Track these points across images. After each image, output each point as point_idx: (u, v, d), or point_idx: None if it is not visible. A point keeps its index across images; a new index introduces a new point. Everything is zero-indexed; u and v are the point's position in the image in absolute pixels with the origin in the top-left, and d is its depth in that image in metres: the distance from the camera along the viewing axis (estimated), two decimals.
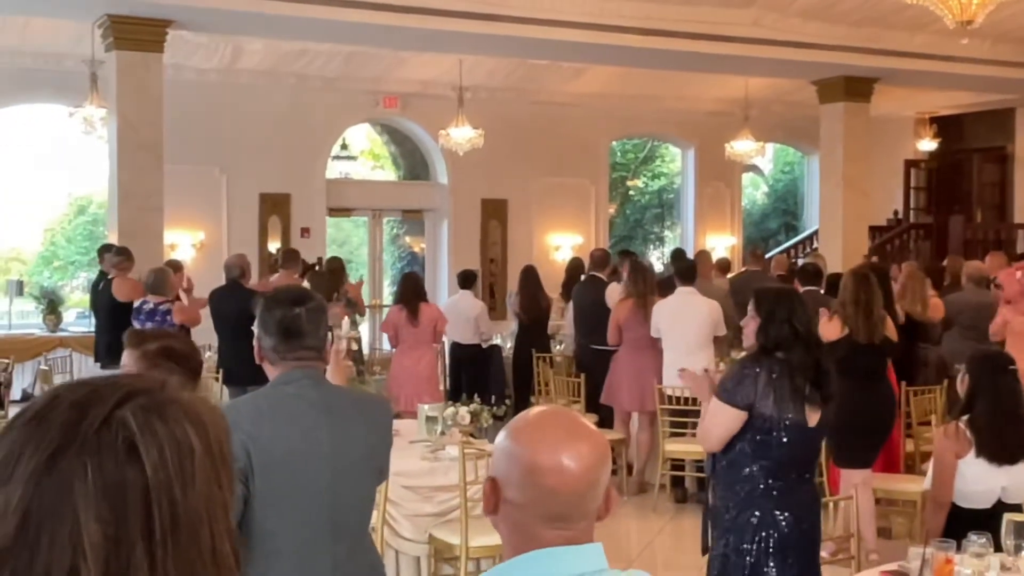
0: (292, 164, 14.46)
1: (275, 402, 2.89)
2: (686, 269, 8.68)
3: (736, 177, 18.22)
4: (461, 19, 10.97)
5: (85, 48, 10.95)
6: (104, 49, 10.51)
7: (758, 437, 3.94)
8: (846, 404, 6.37)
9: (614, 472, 8.91)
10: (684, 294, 8.37)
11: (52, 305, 12.96)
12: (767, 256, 14.38)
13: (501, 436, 1.73)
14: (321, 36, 11.97)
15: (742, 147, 15.29)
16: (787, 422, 3.92)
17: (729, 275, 11.99)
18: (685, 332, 8.22)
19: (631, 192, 23.84)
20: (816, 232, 16.20)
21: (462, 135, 13.41)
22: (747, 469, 3.96)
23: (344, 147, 17.46)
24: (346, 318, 5.72)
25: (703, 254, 12.05)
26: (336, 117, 15.07)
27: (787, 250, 17.83)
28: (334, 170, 16.82)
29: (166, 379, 1.08)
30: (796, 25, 12.24)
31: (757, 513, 3.91)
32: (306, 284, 8.85)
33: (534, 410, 1.80)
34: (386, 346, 13.18)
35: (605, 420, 8.91)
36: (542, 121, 15.80)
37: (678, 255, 11.16)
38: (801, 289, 8.21)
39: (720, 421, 4.02)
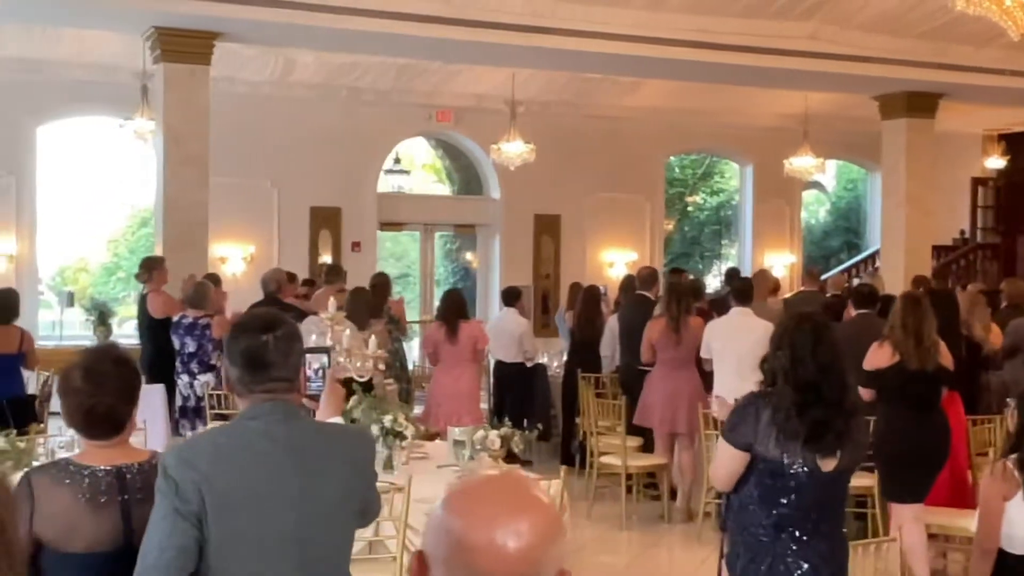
0: (343, 178, 14.40)
1: (237, 439, 2.67)
2: (743, 289, 8.40)
3: (796, 194, 17.83)
4: (513, 32, 10.82)
5: (136, 61, 10.97)
6: (152, 61, 10.51)
7: (766, 481, 3.63)
8: (895, 434, 6.12)
9: (656, 498, 8.65)
10: (738, 314, 8.09)
11: (102, 317, 13.01)
12: (825, 276, 13.99)
13: (437, 502, 1.48)
14: (373, 49, 11.89)
15: (801, 163, 14.91)
16: (794, 468, 3.60)
17: (786, 295, 11.67)
18: (738, 353, 7.91)
19: (689, 208, 23.49)
20: (878, 251, 15.75)
21: (514, 149, 13.24)
22: (757, 513, 3.65)
23: (397, 161, 17.38)
24: (373, 337, 5.54)
25: (761, 273, 11.72)
26: (388, 131, 15.00)
27: (847, 270, 17.39)
28: (387, 184, 16.74)
29: None
30: (857, 38, 11.90)
31: (769, 561, 3.61)
32: (346, 300, 8.72)
33: (480, 473, 1.56)
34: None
35: (649, 443, 8.66)
36: (597, 136, 15.59)
37: (733, 274, 10.85)
38: (854, 312, 7.91)
39: (722, 461, 3.76)
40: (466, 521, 1.42)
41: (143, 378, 8.81)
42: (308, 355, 3.27)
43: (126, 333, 14.37)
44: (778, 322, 3.94)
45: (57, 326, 13.90)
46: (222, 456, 2.61)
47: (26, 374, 8.27)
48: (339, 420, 3.08)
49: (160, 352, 8.63)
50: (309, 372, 3.29)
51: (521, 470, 5.80)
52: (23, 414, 7.58)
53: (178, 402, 8.41)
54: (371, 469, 2.86)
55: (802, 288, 12.01)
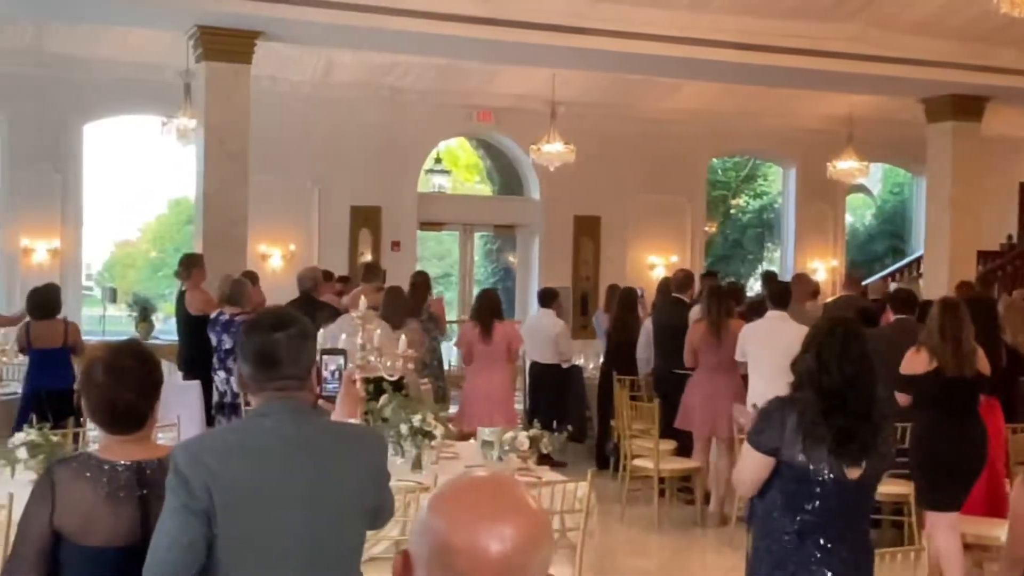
0: (384, 177, 14.45)
1: (246, 436, 2.67)
2: (779, 293, 8.31)
3: (839, 197, 17.64)
4: (553, 32, 10.81)
5: (180, 59, 11.08)
6: (195, 60, 10.61)
7: (790, 487, 3.59)
8: (932, 441, 6.03)
9: (690, 502, 8.59)
10: (774, 318, 8.00)
11: (144, 313, 13.15)
12: (868, 281, 13.84)
13: (424, 503, 1.48)
14: (414, 49, 11.91)
15: (845, 167, 14.75)
16: (819, 475, 3.55)
17: (827, 300, 11.54)
18: (772, 358, 7.82)
19: (732, 211, 23.34)
20: (922, 256, 15.55)
21: (553, 150, 13.22)
22: (782, 519, 3.60)
23: (438, 160, 17.42)
24: (403, 336, 5.54)
25: (801, 277, 11.60)
26: (429, 130, 15.04)
27: (891, 275, 17.17)
28: (429, 183, 16.78)
29: None
30: (902, 41, 11.75)
31: (793, 568, 3.56)
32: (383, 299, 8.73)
33: (467, 475, 1.52)
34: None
35: (684, 447, 8.60)
36: (638, 137, 15.53)
37: (769, 278, 10.75)
38: (893, 317, 7.81)
39: (747, 465, 3.71)
40: (449, 523, 1.39)
41: (180, 374, 8.89)
42: (325, 356, 3.27)
43: (168, 329, 14.51)
44: (814, 324, 3.90)
45: (101, 321, 14.06)
46: (232, 453, 2.60)
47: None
48: (355, 421, 3.07)
49: (197, 349, 8.70)
50: (326, 373, 3.29)
51: (542, 472, 5.78)
52: (65, 407, 7.68)
53: (214, 398, 8.47)
54: (383, 470, 2.85)
55: (843, 293, 11.87)
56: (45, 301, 8.06)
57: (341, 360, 3.31)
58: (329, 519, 2.63)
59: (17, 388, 8.47)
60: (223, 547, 2.53)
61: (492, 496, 1.43)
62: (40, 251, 13.18)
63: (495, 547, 1.37)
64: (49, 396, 7.67)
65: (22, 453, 5.09)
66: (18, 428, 5.81)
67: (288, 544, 2.56)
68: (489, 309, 8.83)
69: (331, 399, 3.19)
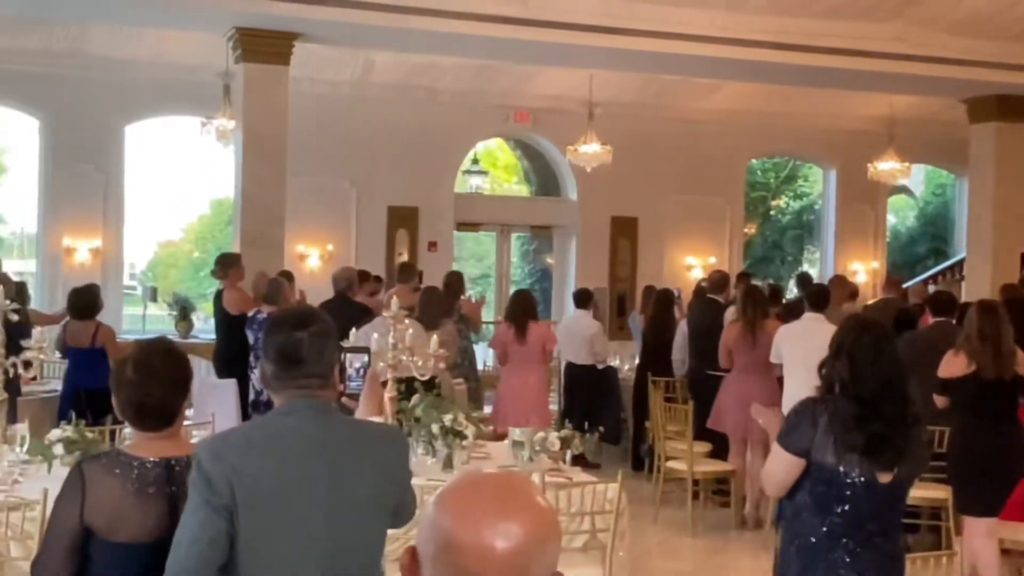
0: (421, 178, 14.50)
1: (269, 434, 2.67)
2: (816, 295, 8.23)
3: (880, 199, 17.46)
4: (590, 33, 10.78)
5: (219, 61, 11.18)
6: (234, 61, 10.70)
7: (819, 488, 3.54)
8: (970, 445, 5.95)
9: (725, 505, 8.53)
10: (810, 320, 7.92)
11: (184, 312, 13.27)
12: (909, 283, 13.68)
13: (431, 499, 1.46)
14: (451, 50, 11.92)
15: (886, 167, 14.60)
16: (850, 478, 3.50)
17: (867, 302, 11.43)
18: (807, 360, 7.74)
19: (771, 212, 23.17)
20: (964, 259, 15.35)
21: (590, 151, 13.19)
22: (811, 521, 3.56)
23: (475, 161, 17.44)
24: (435, 335, 5.55)
25: (838, 279, 11.50)
26: (466, 131, 15.07)
27: (933, 277, 16.97)
28: (466, 184, 16.82)
29: None
30: (944, 40, 11.60)
31: (820, 571, 3.51)
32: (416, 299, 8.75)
33: (474, 471, 1.52)
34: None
35: (719, 449, 8.55)
36: (676, 138, 15.46)
37: (804, 279, 10.67)
38: (932, 320, 7.72)
39: (776, 466, 3.67)
40: (455, 519, 1.39)
41: (216, 372, 8.94)
42: (349, 354, 3.28)
43: (208, 328, 14.64)
44: (838, 327, 3.84)
45: (142, 320, 14.22)
46: (254, 450, 2.61)
47: None
48: (379, 419, 3.08)
49: (234, 347, 8.76)
50: (350, 371, 3.30)
51: (573, 473, 5.76)
52: (101, 405, 7.75)
53: (250, 396, 8.53)
54: (405, 469, 2.85)
55: (883, 295, 11.75)
56: (83, 302, 8.14)
57: (366, 358, 3.32)
58: (349, 517, 2.63)
59: (57, 386, 8.58)
60: (244, 544, 2.54)
61: (498, 493, 1.42)
62: (82, 250, 13.35)
63: (501, 544, 1.36)
64: (87, 394, 7.75)
65: (58, 449, 5.16)
66: (58, 425, 5.88)
67: (308, 541, 2.57)
68: (524, 309, 8.82)
69: (355, 396, 3.20)
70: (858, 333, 3.68)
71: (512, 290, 16.15)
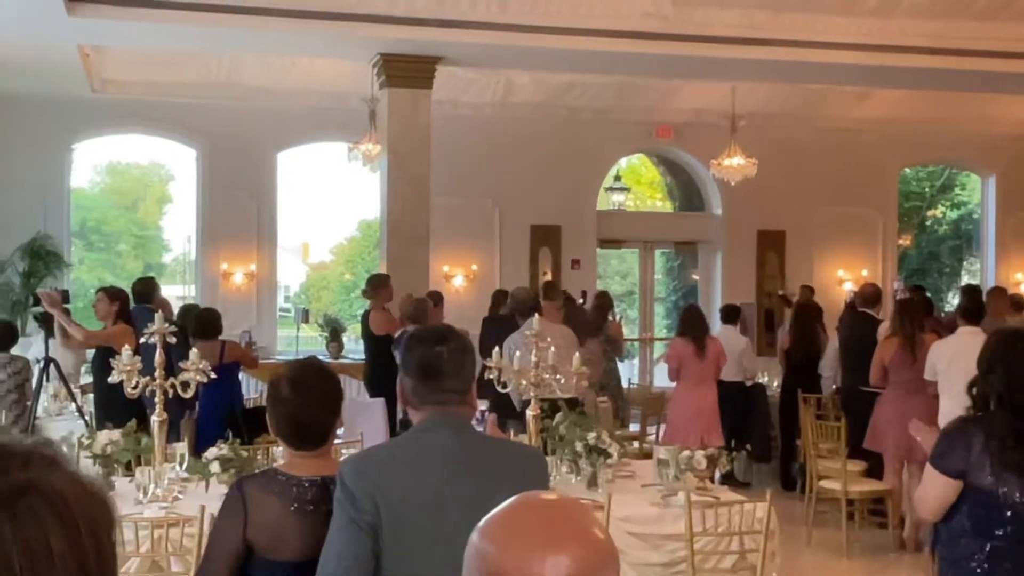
0: (563, 196, 14.52)
1: (412, 451, 2.69)
2: (970, 307, 7.90)
3: None
4: (732, 45, 10.61)
5: (365, 87, 11.45)
6: (379, 87, 10.93)
7: (978, 512, 3.36)
8: None
9: (882, 526, 8.23)
10: (965, 334, 7.59)
11: (335, 333, 13.59)
12: None
13: (476, 526, 1.37)
14: (591, 67, 11.90)
15: None
16: (1012, 499, 3.31)
17: None
18: (964, 376, 7.44)
19: (927, 223, 22.37)
20: None
21: (734, 164, 12.99)
22: (969, 546, 3.39)
23: (618, 178, 17.39)
24: (576, 354, 5.53)
25: (997, 290, 11.01)
26: (608, 148, 15.04)
27: None
28: (608, 201, 16.78)
29: (31, 454, 0.91)
30: None
31: None
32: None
33: (526, 496, 1.39)
34: (658, 382, 12.94)
35: (874, 468, 8.26)
36: (823, 148, 15.10)
37: (969, 291, 10.24)
38: None
39: (930, 490, 3.50)
40: (501, 549, 1.29)
41: (367, 392, 9.08)
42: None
43: (358, 349, 14.96)
44: (984, 343, 3.66)
45: (295, 342, 14.62)
46: (397, 467, 2.63)
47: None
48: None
49: (382, 367, 8.91)
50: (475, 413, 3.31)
51: (720, 492, 5.65)
52: (257, 423, 7.96)
53: (399, 415, 8.66)
54: (546, 487, 2.83)
55: None
56: (207, 316, 8.29)
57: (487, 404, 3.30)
58: None
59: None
60: (389, 560, 2.56)
61: (547, 521, 1.32)
62: (238, 274, 13.83)
63: None
64: (227, 414, 7.93)
65: (215, 467, 5.33)
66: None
67: (450, 557, 2.56)
68: (701, 325, 8.76)
69: None
70: (1011, 343, 3.50)
71: (656, 307, 16.05)
